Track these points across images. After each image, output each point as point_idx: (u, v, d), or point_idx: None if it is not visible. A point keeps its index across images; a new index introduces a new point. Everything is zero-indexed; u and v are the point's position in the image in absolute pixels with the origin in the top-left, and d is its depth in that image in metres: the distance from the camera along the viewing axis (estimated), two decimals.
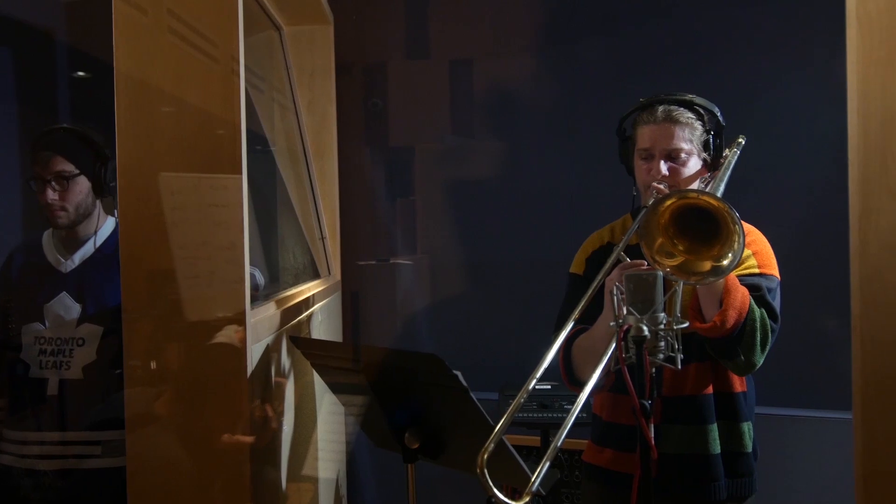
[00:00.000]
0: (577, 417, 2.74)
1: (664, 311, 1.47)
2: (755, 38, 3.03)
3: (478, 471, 1.39)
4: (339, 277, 3.35)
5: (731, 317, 1.77)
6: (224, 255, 1.70)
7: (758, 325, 1.82)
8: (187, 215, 1.72)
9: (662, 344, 1.45)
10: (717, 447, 1.97)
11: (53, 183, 2.35)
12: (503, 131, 3.41)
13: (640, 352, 1.38)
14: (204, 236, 1.72)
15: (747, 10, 3.02)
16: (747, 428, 2.02)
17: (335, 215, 3.34)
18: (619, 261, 1.78)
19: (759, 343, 1.83)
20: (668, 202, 1.59)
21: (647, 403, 1.37)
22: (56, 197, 2.35)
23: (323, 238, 3.29)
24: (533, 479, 1.31)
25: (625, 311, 1.46)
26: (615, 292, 1.50)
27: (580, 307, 1.61)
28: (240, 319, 1.69)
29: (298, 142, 3.25)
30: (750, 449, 2.02)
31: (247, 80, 3.01)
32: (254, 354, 1.78)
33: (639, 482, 1.41)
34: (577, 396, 2.74)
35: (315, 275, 3.23)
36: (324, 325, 2.83)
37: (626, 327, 1.40)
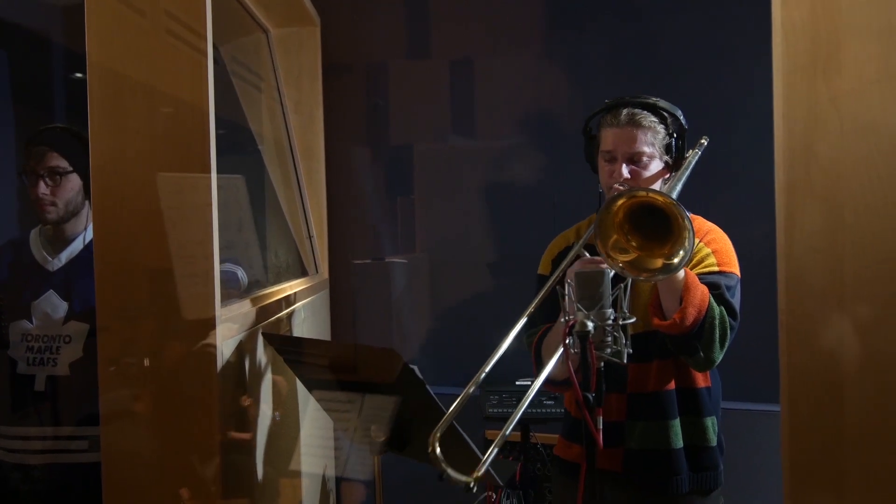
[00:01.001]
0: (552, 413, 2.81)
1: (612, 307, 1.52)
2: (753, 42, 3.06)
3: (429, 449, 1.43)
4: (326, 276, 3.40)
5: (691, 314, 1.82)
6: (194, 251, 1.75)
7: (717, 322, 1.86)
8: (159, 211, 1.77)
9: (610, 339, 1.50)
10: (679, 442, 2.01)
11: (46, 178, 2.41)
12: (493, 131, 3.44)
13: (585, 346, 1.43)
14: (175, 232, 1.76)
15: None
16: (711, 423, 2.06)
17: (322, 214, 3.39)
18: (577, 258, 1.83)
19: (717, 340, 1.87)
20: (620, 201, 1.65)
21: (591, 396, 1.42)
22: (47, 192, 2.41)
23: (311, 237, 3.34)
24: (484, 458, 1.36)
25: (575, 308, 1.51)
26: (567, 290, 1.55)
27: (534, 303, 1.66)
28: (209, 316, 1.74)
29: (286, 142, 3.31)
30: (714, 443, 2.07)
31: (235, 81, 3.08)
32: (225, 350, 1.83)
33: (584, 474, 1.46)
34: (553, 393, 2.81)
35: (303, 273, 3.28)
36: (307, 322, 2.87)
37: (571, 323, 1.45)
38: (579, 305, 1.48)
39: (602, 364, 1.49)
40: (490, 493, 2.88)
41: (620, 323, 1.50)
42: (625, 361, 1.52)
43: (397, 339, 3.55)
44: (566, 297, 1.56)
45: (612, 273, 1.62)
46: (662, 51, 3.13)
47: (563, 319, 1.55)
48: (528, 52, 3.36)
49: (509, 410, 2.85)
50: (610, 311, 1.50)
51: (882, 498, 1.13)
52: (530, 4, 3.34)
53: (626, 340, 1.52)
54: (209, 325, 1.75)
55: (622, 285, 1.59)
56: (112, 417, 1.76)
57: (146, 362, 1.77)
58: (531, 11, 3.34)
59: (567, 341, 1.45)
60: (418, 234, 3.54)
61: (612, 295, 1.53)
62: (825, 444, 1.19)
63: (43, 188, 2.40)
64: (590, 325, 1.43)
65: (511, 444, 3.01)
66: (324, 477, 3.16)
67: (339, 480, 3.41)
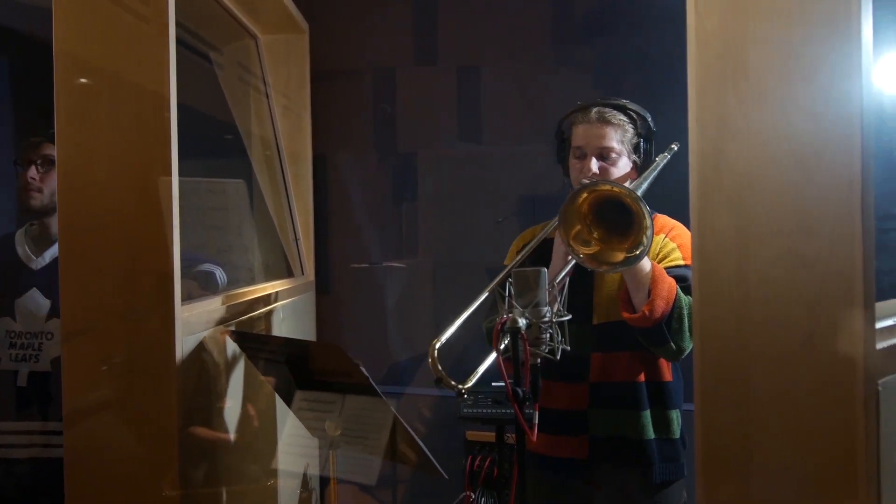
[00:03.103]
0: (527, 414, 2.83)
1: (549, 305, 1.57)
2: None
3: (429, 360, 1.62)
4: (312, 278, 3.45)
5: (660, 306, 1.88)
6: (154, 246, 1.79)
7: (685, 312, 1.92)
8: (122, 207, 1.82)
9: (545, 336, 1.54)
10: (649, 433, 2.07)
11: (38, 163, 2.51)
12: (488, 137, 3.47)
13: (515, 342, 1.47)
14: (137, 229, 1.81)
15: None
16: (676, 416, 2.12)
17: (309, 217, 3.45)
18: (539, 247, 1.92)
19: (687, 329, 1.93)
20: (585, 193, 1.73)
21: (521, 391, 1.46)
22: (36, 177, 2.51)
23: (297, 239, 3.40)
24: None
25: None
26: (507, 290, 1.60)
27: (491, 286, 1.75)
28: (169, 313, 1.79)
29: (274, 146, 3.37)
30: (678, 435, 2.12)
31: (225, 86, 3.15)
32: (185, 347, 1.87)
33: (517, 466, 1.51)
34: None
35: (288, 274, 3.34)
36: (286, 322, 2.92)
37: (503, 319, 1.50)
38: (516, 304, 1.53)
39: (538, 360, 1.53)
40: (469, 493, 2.93)
41: (555, 321, 1.54)
42: (558, 358, 1.56)
43: (391, 343, 3.58)
44: (505, 297, 1.60)
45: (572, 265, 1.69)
46: (666, 60, 3.13)
47: (498, 319, 1.60)
48: (524, 56, 3.38)
49: (484, 411, 2.88)
50: (546, 308, 1.54)
51: (785, 481, 1.17)
52: (522, 8, 3.37)
53: (561, 337, 1.56)
54: (169, 322, 1.80)
55: (558, 284, 1.64)
56: (74, 415, 1.80)
57: (109, 360, 1.81)
58: (524, 15, 3.38)
59: (500, 337, 1.50)
60: (413, 239, 3.57)
61: (550, 293, 1.57)
62: (735, 435, 1.23)
63: (33, 172, 2.51)
64: (521, 322, 1.47)
65: (488, 445, 3.04)
66: (305, 476, 3.20)
67: (322, 480, 3.45)
